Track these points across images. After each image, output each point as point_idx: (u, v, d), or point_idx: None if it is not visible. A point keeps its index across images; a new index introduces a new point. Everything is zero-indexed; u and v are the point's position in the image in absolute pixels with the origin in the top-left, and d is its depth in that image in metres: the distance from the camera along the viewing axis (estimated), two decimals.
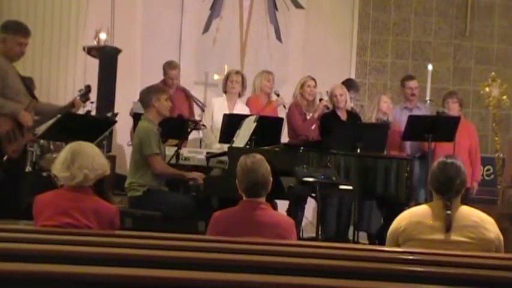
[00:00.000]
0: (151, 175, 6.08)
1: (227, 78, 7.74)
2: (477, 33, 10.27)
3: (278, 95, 7.89)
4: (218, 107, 7.60)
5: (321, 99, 7.63)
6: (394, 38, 10.20)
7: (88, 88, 6.25)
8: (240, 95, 7.77)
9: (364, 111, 8.60)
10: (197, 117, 7.99)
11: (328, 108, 7.63)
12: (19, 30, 5.81)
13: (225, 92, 7.78)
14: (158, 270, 2.51)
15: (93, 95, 7.81)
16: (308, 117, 7.60)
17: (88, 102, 6.65)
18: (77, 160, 3.83)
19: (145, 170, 6.09)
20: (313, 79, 7.69)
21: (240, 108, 7.58)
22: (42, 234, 3.32)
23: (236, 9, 9.81)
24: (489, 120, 9.68)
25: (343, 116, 7.59)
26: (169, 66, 8.08)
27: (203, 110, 8.19)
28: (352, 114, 7.70)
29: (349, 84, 8.28)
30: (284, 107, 7.76)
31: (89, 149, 3.94)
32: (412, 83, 8.05)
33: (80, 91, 6.28)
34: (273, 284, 2.45)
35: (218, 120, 7.26)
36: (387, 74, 10.16)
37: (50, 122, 5.99)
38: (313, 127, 7.55)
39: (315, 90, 7.66)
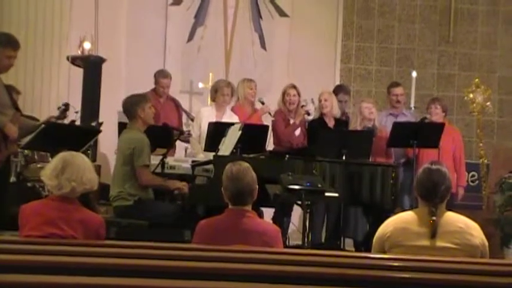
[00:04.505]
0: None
1: (216, 90, 7.59)
2: (461, 39, 10.32)
3: (263, 103, 7.86)
4: (207, 117, 7.52)
5: (302, 106, 7.64)
6: (378, 45, 10.24)
7: (66, 106, 6.23)
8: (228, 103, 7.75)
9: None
10: (184, 128, 7.97)
11: (308, 114, 7.64)
12: (8, 43, 5.74)
13: (213, 100, 7.74)
14: (144, 279, 2.50)
15: (78, 105, 7.81)
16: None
17: (73, 112, 6.62)
18: (66, 171, 3.79)
19: (135, 180, 6.06)
20: (295, 87, 7.67)
21: (229, 117, 7.50)
22: (26, 244, 3.30)
23: (220, 17, 9.82)
24: (473, 126, 9.70)
25: (330, 123, 7.60)
26: (161, 75, 8.09)
27: (192, 120, 8.16)
28: (340, 122, 7.70)
29: (339, 88, 8.32)
30: (270, 114, 7.76)
31: (81, 162, 3.89)
32: (398, 90, 8.08)
33: (58, 108, 6.26)
34: None
35: (206, 130, 7.19)
36: (372, 81, 10.19)
37: (35, 132, 5.94)
38: (297, 133, 7.56)
39: (295, 99, 7.62)
